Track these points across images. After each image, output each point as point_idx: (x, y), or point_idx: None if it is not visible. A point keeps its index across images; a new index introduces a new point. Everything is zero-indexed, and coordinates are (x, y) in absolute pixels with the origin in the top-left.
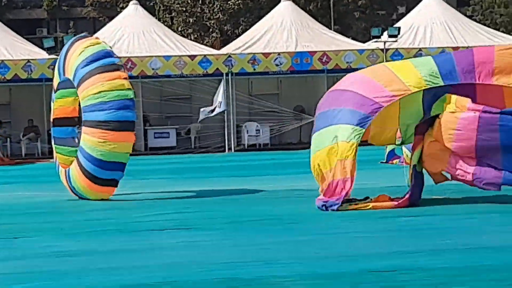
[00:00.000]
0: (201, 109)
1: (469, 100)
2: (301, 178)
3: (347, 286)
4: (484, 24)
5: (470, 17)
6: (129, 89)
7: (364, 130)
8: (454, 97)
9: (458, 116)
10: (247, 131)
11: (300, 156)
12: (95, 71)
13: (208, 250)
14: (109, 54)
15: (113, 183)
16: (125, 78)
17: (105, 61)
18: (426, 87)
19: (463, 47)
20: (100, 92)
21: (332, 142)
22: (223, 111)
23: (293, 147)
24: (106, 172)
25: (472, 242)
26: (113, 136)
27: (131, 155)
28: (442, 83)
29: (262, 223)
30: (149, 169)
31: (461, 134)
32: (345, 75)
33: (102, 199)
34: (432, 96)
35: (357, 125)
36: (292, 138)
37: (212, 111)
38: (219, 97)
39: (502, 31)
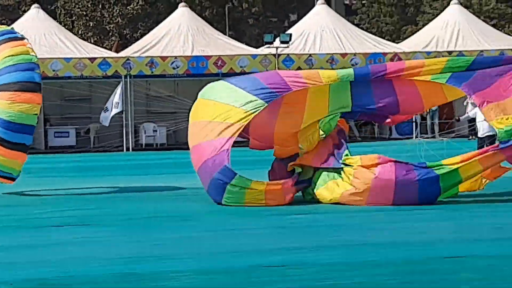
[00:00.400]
0: (102, 116)
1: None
2: (195, 177)
3: (240, 280)
4: (371, 32)
5: (357, 25)
6: (33, 54)
7: (266, 104)
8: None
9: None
10: (145, 131)
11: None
12: (1, 42)
13: (106, 245)
14: (13, 31)
15: (23, 148)
16: (29, 47)
17: (11, 35)
18: (338, 81)
19: (350, 53)
20: (7, 56)
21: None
22: (121, 112)
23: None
24: (15, 135)
25: (357, 238)
26: (20, 97)
27: (31, 153)
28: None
29: (157, 220)
30: (49, 167)
31: None
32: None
33: (10, 178)
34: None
35: (262, 99)
36: None
37: (110, 111)
38: (116, 98)
39: (387, 39)
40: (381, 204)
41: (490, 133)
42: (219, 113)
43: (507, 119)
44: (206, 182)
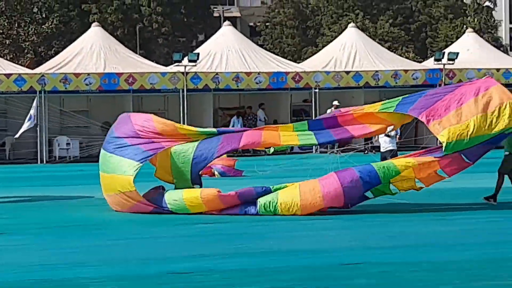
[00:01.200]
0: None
1: None
2: None
3: (149, 286)
4: (274, 53)
5: (261, 46)
6: None
7: (141, 165)
8: None
9: None
10: (58, 144)
11: None
12: None
13: (21, 253)
14: None
15: None
16: None
17: None
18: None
19: (255, 72)
20: None
21: (116, 172)
22: (36, 125)
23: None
24: None
25: (259, 246)
26: None
27: None
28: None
29: (71, 229)
30: None
31: None
32: (148, 95)
33: None
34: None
35: (138, 161)
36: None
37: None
38: (32, 112)
39: (289, 59)
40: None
41: (391, 148)
42: (116, 184)
43: (450, 132)
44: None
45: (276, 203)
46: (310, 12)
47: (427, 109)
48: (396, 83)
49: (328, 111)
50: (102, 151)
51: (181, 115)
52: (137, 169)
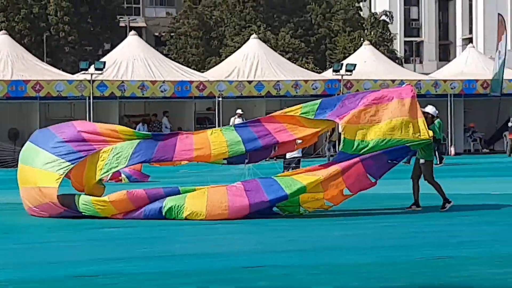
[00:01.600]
0: None
1: None
2: (15, 193)
3: None
4: (178, 62)
5: (166, 55)
6: None
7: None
8: None
9: None
10: None
11: (14, 173)
12: None
13: None
14: None
15: None
16: None
17: None
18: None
19: (160, 81)
20: None
21: (41, 167)
22: None
23: (8, 166)
24: None
25: (166, 250)
26: None
27: None
28: None
29: None
30: None
31: None
32: (55, 102)
33: None
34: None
35: (69, 161)
36: (7, 158)
37: None
38: None
39: (194, 69)
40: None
41: (296, 155)
42: (37, 178)
43: (352, 129)
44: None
45: (183, 210)
46: (213, 23)
47: (343, 114)
48: (296, 92)
49: (231, 119)
50: (29, 144)
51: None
52: (65, 169)
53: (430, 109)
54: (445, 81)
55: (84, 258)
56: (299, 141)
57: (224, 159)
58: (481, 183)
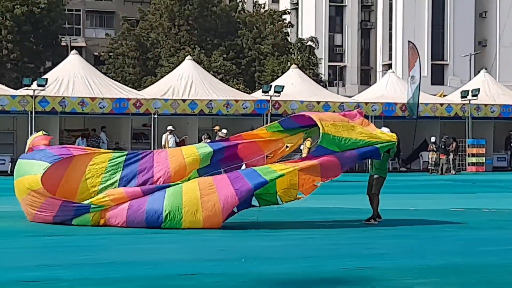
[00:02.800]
0: None
1: None
2: None
3: None
4: (116, 80)
5: (105, 73)
6: None
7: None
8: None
9: None
10: None
11: None
12: None
13: None
14: None
15: None
16: None
17: None
18: None
19: (99, 97)
20: None
21: (26, 174)
22: None
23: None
24: None
25: (105, 257)
26: None
27: None
28: None
29: None
30: None
31: None
32: (1, 116)
33: None
34: None
35: (49, 162)
36: None
37: None
38: None
39: (131, 87)
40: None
41: None
42: (30, 184)
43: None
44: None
45: (181, 222)
46: (150, 45)
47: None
48: (228, 111)
49: (164, 136)
50: (18, 161)
51: (29, 135)
52: (45, 168)
53: (385, 130)
54: (366, 103)
55: (26, 264)
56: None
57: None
58: (399, 199)
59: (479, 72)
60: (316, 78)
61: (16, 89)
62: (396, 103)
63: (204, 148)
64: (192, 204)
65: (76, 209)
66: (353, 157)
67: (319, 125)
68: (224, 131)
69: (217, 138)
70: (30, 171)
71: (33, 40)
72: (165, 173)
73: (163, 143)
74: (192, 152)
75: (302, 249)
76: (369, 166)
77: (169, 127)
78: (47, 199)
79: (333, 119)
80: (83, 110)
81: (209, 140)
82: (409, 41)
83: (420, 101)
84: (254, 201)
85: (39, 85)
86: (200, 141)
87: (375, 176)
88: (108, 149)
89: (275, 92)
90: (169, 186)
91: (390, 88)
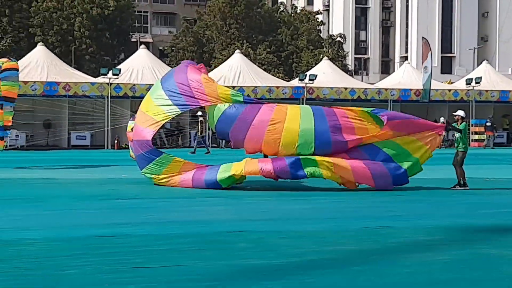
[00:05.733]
0: None
1: None
2: (45, 170)
3: (77, 246)
4: None
5: (168, 65)
6: None
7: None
8: None
9: None
10: (9, 136)
11: (45, 154)
12: None
13: None
14: None
15: None
16: None
17: None
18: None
19: None
20: None
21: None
22: None
23: (41, 148)
24: None
25: (166, 217)
26: None
27: None
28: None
29: (14, 201)
30: None
31: None
32: (81, 99)
33: None
34: None
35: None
36: (41, 141)
37: None
38: None
39: None
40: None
41: None
42: (151, 110)
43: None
44: (137, 154)
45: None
46: (205, 40)
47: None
48: (270, 96)
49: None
50: (156, 83)
51: (106, 117)
52: (173, 113)
53: (461, 112)
54: (386, 89)
55: (101, 223)
56: None
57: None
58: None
59: (481, 63)
60: (344, 68)
61: (95, 77)
62: (411, 89)
63: (306, 142)
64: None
65: None
66: (386, 177)
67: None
68: (199, 113)
69: None
70: (154, 94)
71: (108, 37)
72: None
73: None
74: (293, 139)
75: (329, 211)
76: (454, 144)
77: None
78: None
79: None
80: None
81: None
82: (422, 37)
83: (431, 87)
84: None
85: (114, 74)
86: None
87: (461, 150)
88: (169, 129)
89: (309, 80)
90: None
91: (406, 77)
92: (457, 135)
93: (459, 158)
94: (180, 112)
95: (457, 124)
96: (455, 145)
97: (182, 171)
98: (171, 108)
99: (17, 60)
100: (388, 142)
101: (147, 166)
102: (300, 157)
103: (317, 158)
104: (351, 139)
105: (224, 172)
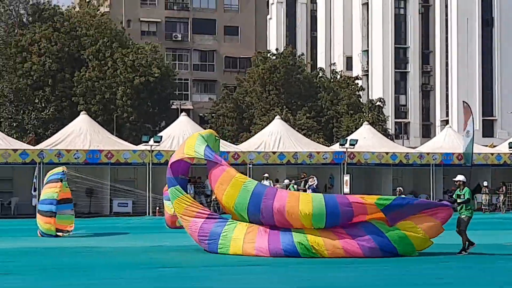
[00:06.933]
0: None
1: None
2: (87, 238)
3: None
4: None
5: None
6: (56, 192)
7: None
8: None
9: None
10: None
11: (87, 222)
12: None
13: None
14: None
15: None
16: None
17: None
18: None
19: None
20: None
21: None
22: (35, 190)
23: (83, 216)
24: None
25: (210, 285)
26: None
27: None
28: None
29: (61, 271)
30: None
31: None
32: (122, 167)
33: None
34: None
35: None
36: (83, 210)
37: (35, 190)
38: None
39: (229, 142)
40: None
41: None
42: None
43: None
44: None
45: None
46: (245, 106)
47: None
48: (310, 161)
49: (263, 182)
50: None
51: (147, 183)
52: None
53: (461, 177)
54: (428, 153)
55: None
56: None
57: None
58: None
59: None
60: (385, 132)
61: (136, 145)
62: (453, 153)
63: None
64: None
65: None
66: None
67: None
68: (266, 175)
69: (308, 185)
70: None
71: (149, 105)
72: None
73: None
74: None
75: (379, 279)
76: (458, 208)
77: (265, 175)
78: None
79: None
80: (191, 162)
81: (267, 182)
82: (463, 101)
83: (473, 151)
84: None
85: (155, 142)
86: (287, 186)
87: (467, 215)
88: (210, 194)
89: (350, 144)
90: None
91: (448, 141)
92: (461, 200)
93: (465, 224)
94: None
95: (460, 190)
96: (458, 209)
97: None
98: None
99: (60, 129)
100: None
101: None
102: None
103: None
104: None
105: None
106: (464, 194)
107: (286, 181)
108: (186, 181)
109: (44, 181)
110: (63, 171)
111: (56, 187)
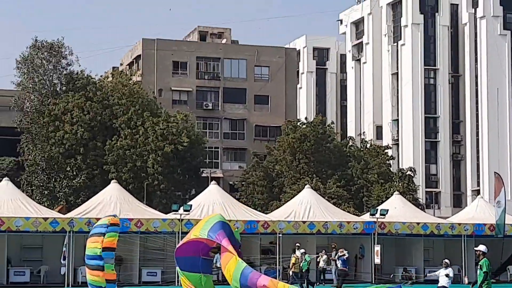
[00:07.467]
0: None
1: None
2: None
3: None
4: (247, 205)
5: (238, 199)
6: (99, 248)
7: None
8: None
9: None
10: (81, 272)
11: None
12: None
13: None
14: (104, 226)
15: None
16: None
17: (99, 230)
18: None
19: (233, 220)
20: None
21: None
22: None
23: None
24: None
25: None
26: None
27: None
28: None
29: None
30: None
31: None
32: (152, 236)
33: None
34: None
35: None
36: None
37: (64, 258)
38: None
39: (259, 210)
40: None
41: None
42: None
43: None
44: None
45: None
46: (275, 175)
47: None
48: (341, 231)
49: (296, 251)
50: None
51: None
52: None
53: (482, 247)
54: (459, 224)
55: None
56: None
57: None
58: None
59: None
60: (415, 202)
61: (166, 213)
62: (485, 224)
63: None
64: None
65: None
66: None
67: None
68: (298, 244)
69: (338, 256)
70: None
71: (179, 172)
72: None
73: (292, 261)
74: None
75: None
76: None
77: (297, 244)
78: None
79: None
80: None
81: (325, 256)
82: (495, 172)
83: (506, 222)
84: None
85: (185, 210)
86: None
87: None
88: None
89: (381, 214)
90: None
91: (479, 211)
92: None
93: None
94: None
95: (479, 259)
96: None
97: None
98: None
99: (91, 197)
100: None
101: None
102: None
103: None
104: None
105: None
106: (481, 265)
107: (302, 251)
108: (211, 261)
109: (90, 232)
110: (108, 222)
111: (98, 242)
